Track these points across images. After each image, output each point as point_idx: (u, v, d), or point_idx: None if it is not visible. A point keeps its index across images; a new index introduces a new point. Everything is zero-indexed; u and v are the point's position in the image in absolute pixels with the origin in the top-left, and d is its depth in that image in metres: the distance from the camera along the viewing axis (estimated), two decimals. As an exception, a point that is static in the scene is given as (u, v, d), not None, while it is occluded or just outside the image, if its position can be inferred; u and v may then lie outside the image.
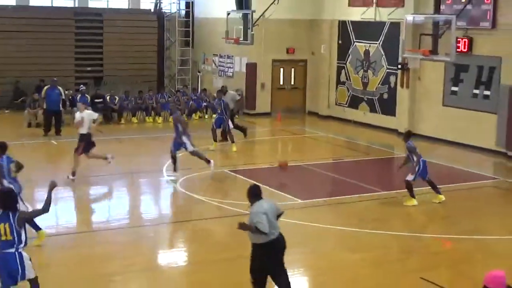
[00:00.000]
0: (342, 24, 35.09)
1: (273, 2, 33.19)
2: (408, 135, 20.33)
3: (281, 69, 37.46)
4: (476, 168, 25.32)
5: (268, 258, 11.98)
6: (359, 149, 29.10)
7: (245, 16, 33.94)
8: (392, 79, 32.33)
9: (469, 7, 27.19)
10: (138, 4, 41.67)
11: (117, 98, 34.96)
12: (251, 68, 36.62)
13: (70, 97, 33.87)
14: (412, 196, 20.00)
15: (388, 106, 32.66)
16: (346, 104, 35.40)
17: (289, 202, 19.93)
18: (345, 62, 35.24)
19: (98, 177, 22.76)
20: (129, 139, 29.82)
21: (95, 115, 22.92)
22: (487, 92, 27.88)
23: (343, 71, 35.46)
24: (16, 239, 11.31)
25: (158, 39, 41.31)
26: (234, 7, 35.36)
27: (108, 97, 34.76)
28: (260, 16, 33.25)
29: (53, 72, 34.50)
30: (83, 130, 22.29)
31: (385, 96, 32.82)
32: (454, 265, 15.68)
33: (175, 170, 23.18)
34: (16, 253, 11.34)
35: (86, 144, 22.33)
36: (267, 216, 11.72)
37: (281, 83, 37.63)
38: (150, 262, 15.85)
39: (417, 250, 16.78)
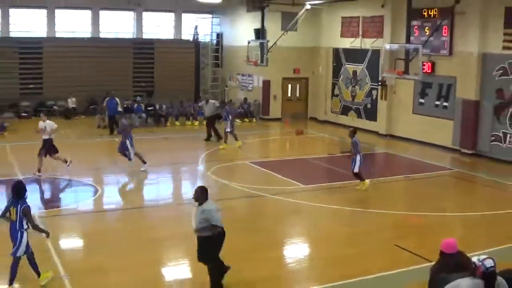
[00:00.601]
0: (336, 51, 35.00)
1: (282, 34, 33.19)
2: (354, 132, 20.05)
3: (289, 85, 37.39)
4: (437, 161, 25.26)
5: (220, 245, 11.45)
6: (348, 147, 28.91)
7: (261, 44, 33.84)
8: (374, 92, 32.22)
9: (432, 38, 27.11)
10: (180, 36, 41.68)
11: (164, 106, 34.98)
12: (266, 84, 36.61)
13: (129, 106, 34.01)
14: (363, 180, 19.86)
15: (371, 114, 32.55)
16: (338, 111, 35.29)
17: (293, 186, 19.91)
18: (338, 79, 35.14)
19: (152, 167, 22.77)
20: (173, 138, 29.82)
21: (55, 125, 22.01)
22: (446, 103, 27.72)
23: (336, 86, 35.35)
24: (18, 222, 11.33)
25: (195, 62, 41.26)
26: (253, 38, 35.32)
27: (157, 106, 34.76)
28: (273, 44, 33.18)
29: (116, 87, 34.61)
30: (45, 136, 21.55)
31: (369, 106, 32.70)
32: (420, 235, 15.69)
33: (144, 162, 22.52)
34: (19, 232, 11.35)
35: (48, 147, 21.58)
36: (218, 212, 11.35)
37: (289, 95, 37.55)
38: (189, 232, 15.87)
39: (392, 224, 16.79)
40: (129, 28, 40.28)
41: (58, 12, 37.72)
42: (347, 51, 34.15)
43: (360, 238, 15.35)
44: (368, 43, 32.21)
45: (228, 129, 27.36)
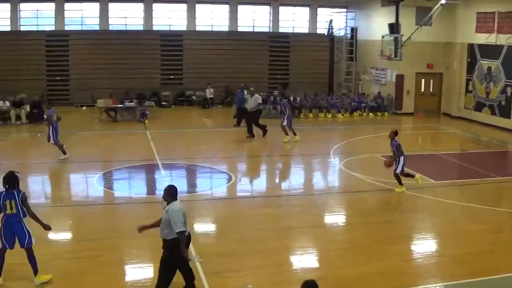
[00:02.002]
0: (470, 46, 33.87)
1: (417, 28, 32.58)
2: (395, 134, 18.86)
3: (422, 80, 36.56)
4: None
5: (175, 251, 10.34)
6: (481, 143, 28.14)
7: (395, 39, 33.43)
8: (509, 89, 31.03)
9: None
10: (315, 30, 41.77)
11: (298, 98, 35.21)
12: (400, 78, 35.99)
13: (263, 98, 34.54)
14: (400, 183, 18.80)
15: (505, 111, 31.38)
16: (472, 108, 34.19)
17: (424, 181, 19.60)
18: (472, 75, 34.03)
19: (284, 156, 23.07)
20: (306, 129, 29.91)
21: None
22: None
23: (470, 82, 34.24)
24: (20, 212, 11.12)
25: (330, 56, 41.34)
26: (387, 32, 34.90)
27: (292, 98, 35.02)
28: (407, 39, 32.68)
29: (252, 79, 35.29)
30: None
31: (503, 102, 31.53)
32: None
33: (64, 153, 22.51)
34: (22, 223, 11.19)
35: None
36: (183, 214, 10.33)
37: (422, 90, 36.73)
38: (318, 221, 16.03)
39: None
40: (265, 22, 40.80)
41: (198, 7, 38.87)
42: (482, 46, 33.00)
43: (490, 236, 14.88)
44: (503, 39, 31.03)
45: (285, 123, 26.50)
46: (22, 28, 37.35)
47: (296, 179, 21.34)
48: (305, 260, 13.11)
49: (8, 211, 11.07)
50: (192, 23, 38.86)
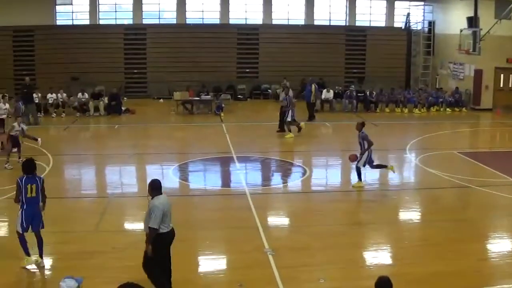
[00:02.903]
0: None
1: (496, 22, 31.75)
2: (363, 125, 18.09)
3: (501, 75, 35.61)
4: None
5: (160, 248, 10.34)
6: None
7: (474, 33, 32.69)
8: None
9: None
10: (392, 23, 41.24)
11: (374, 92, 34.86)
12: (478, 73, 35.11)
13: (339, 92, 34.43)
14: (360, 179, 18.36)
15: None
16: (553, 103, 33.28)
17: (502, 179, 19.12)
18: (554, 70, 33.09)
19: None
20: (382, 124, 29.55)
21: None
22: None
23: (552, 77, 33.32)
24: (39, 196, 11.60)
25: (407, 50, 40.77)
26: (466, 26, 34.16)
27: (368, 92, 34.73)
28: (486, 33, 31.89)
29: (327, 73, 35.26)
30: None
31: None
32: None
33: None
34: (39, 206, 11.64)
35: None
36: (162, 211, 10.14)
37: (501, 85, 35.81)
38: (393, 217, 15.86)
39: None
40: (342, 15, 40.52)
41: (274, 0, 38.88)
42: None
43: None
44: None
45: (289, 118, 25.97)
46: (101, 22, 38.33)
47: (371, 174, 21.09)
48: (378, 256, 12.96)
49: (29, 195, 11.50)
50: (268, 16, 38.95)
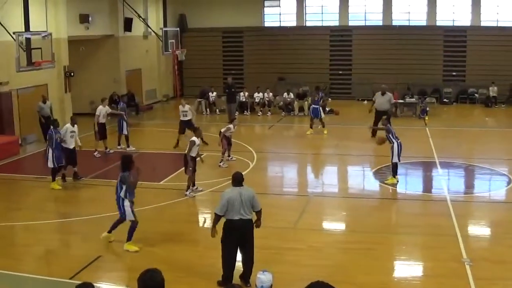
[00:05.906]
0: None
1: None
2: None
3: None
4: None
5: (226, 233, 10.91)
6: None
7: None
8: None
9: None
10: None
11: None
12: None
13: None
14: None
15: None
16: None
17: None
18: None
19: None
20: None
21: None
22: None
23: None
24: (118, 188, 12.78)
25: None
26: None
27: None
28: None
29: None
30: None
31: None
32: None
33: None
34: (120, 198, 12.79)
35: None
36: (227, 200, 10.67)
37: None
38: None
39: None
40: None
41: (483, 1, 37.21)
42: None
43: None
44: None
45: (323, 115, 26.79)
46: (308, 24, 39.32)
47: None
48: None
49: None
50: (477, 18, 37.42)
